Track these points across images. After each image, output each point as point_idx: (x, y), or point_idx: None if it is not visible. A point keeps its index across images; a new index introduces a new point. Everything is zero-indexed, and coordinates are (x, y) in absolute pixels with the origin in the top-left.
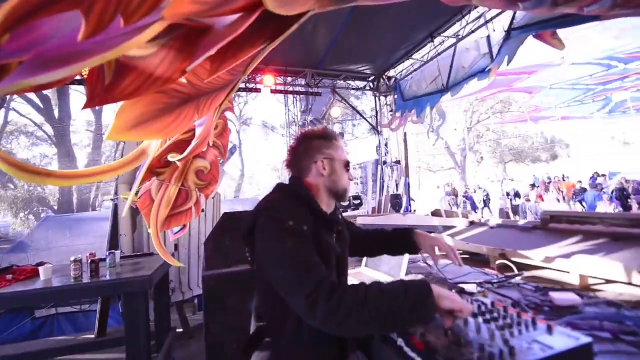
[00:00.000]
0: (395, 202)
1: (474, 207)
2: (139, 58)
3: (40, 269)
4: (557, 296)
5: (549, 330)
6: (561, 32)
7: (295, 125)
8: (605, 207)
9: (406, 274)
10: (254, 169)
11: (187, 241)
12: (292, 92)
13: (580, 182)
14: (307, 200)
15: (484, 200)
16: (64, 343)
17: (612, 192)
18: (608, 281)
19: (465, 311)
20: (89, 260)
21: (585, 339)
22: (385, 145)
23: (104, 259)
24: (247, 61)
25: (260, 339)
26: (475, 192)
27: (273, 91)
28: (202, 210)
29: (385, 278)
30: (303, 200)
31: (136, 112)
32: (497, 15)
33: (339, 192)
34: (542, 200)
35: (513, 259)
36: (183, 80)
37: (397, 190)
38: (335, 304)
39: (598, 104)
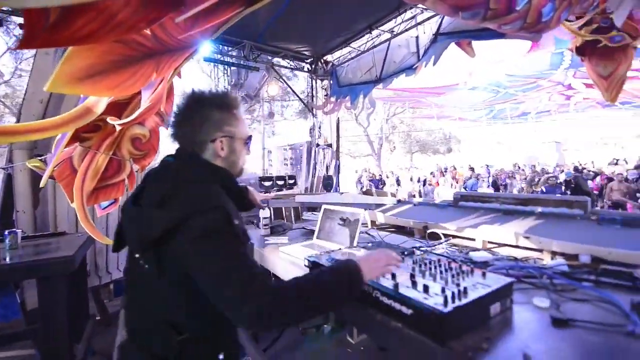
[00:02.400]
0: (327, 183)
1: (378, 189)
2: None
3: None
4: (475, 255)
5: (484, 275)
6: (470, 62)
7: None
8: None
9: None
10: (169, 145)
11: (104, 218)
12: (229, 64)
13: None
14: (238, 192)
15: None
16: None
17: (489, 180)
18: (500, 245)
19: (394, 261)
20: None
21: (509, 280)
22: (319, 128)
23: (2, 240)
24: (221, 23)
25: (184, 354)
26: (388, 177)
27: (207, 59)
28: None
29: (337, 248)
30: (230, 189)
31: (88, 61)
32: (428, 19)
33: (235, 174)
34: (438, 185)
35: (433, 229)
36: (147, 32)
37: (327, 172)
38: (272, 303)
39: (486, 110)
